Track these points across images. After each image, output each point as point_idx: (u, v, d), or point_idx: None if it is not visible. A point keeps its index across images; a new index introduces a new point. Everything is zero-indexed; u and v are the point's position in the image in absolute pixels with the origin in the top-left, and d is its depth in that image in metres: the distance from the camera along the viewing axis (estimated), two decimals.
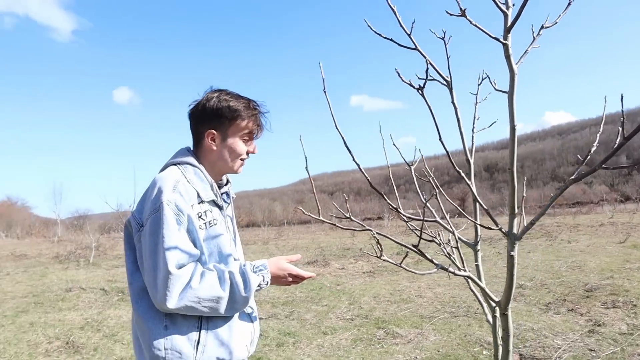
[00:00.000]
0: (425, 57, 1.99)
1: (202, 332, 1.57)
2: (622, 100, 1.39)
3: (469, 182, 1.78)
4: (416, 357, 4.84)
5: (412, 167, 2.21)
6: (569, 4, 1.57)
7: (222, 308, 1.53)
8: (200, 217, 1.61)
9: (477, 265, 2.04)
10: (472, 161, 2.08)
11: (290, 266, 1.74)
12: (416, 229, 2.14)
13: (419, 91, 1.70)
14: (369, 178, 1.92)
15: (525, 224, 1.70)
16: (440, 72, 2.02)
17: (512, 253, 1.65)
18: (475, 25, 1.46)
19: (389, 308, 7.29)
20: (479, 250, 2.06)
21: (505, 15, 1.49)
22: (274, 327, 6.46)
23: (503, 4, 1.50)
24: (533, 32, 1.56)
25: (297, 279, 1.76)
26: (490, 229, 1.64)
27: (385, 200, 1.94)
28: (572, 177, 1.58)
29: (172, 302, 1.45)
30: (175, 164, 1.72)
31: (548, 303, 6.85)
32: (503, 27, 1.50)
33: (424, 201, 1.67)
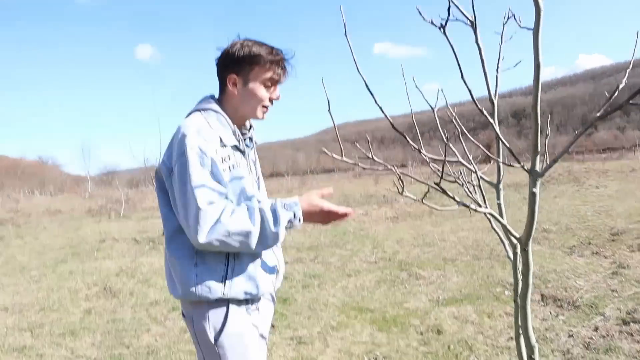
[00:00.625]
0: None
1: (229, 268, 1.64)
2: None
3: (492, 121, 1.79)
4: (439, 297, 4.96)
5: (436, 110, 2.21)
6: None
7: (252, 243, 1.57)
8: (223, 160, 1.64)
9: (498, 204, 2.07)
10: (495, 102, 2.08)
11: (322, 202, 1.71)
12: (439, 170, 2.17)
13: (441, 29, 1.69)
14: (391, 120, 1.94)
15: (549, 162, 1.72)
16: (464, 11, 1.99)
17: (534, 190, 1.68)
18: None
19: (412, 251, 7.41)
20: (501, 189, 2.08)
21: None
22: (300, 270, 6.65)
23: None
24: None
25: (333, 215, 1.73)
26: (512, 166, 1.67)
27: (408, 141, 1.96)
28: (598, 114, 1.58)
29: (203, 237, 1.50)
30: (198, 111, 1.76)
31: (572, 246, 6.88)
32: None
33: (446, 140, 1.69)
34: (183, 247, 1.64)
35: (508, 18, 2.11)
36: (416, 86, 2.14)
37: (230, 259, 1.65)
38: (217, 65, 1.81)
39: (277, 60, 1.78)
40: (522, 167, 1.68)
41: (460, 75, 1.73)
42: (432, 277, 5.81)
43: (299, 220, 1.64)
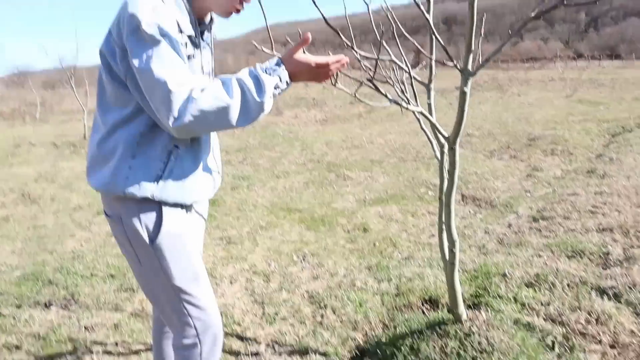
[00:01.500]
0: None
1: (167, 167, 1.47)
2: None
3: (427, 17, 1.74)
4: (365, 198, 5.12)
5: (370, 8, 2.13)
6: None
7: (233, 118, 1.35)
8: (182, 45, 1.40)
9: (429, 104, 2.08)
10: (432, 5, 2.02)
11: (309, 56, 1.47)
12: (370, 69, 2.14)
13: None
14: (325, 18, 1.85)
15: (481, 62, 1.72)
16: None
17: (464, 89, 1.69)
18: None
19: (341, 153, 7.52)
20: (432, 88, 2.09)
21: None
22: (228, 172, 6.61)
23: None
24: None
25: (324, 68, 1.49)
26: (444, 64, 1.65)
27: (342, 38, 1.89)
28: (533, 15, 1.57)
29: (173, 120, 1.30)
30: None
31: (492, 150, 7.21)
32: None
33: (379, 37, 1.64)
34: (124, 139, 1.44)
35: None
36: None
37: (171, 157, 1.48)
38: None
39: None
40: (455, 65, 1.67)
41: None
42: (359, 178, 5.96)
43: (287, 83, 1.44)
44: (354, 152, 7.53)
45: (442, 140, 2.02)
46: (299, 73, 1.46)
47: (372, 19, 2.03)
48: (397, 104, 1.68)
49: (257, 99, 1.36)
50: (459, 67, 1.67)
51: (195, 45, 1.51)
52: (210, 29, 1.64)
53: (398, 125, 9.82)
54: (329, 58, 1.48)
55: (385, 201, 4.95)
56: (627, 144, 7.19)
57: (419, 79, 2.10)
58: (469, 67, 1.68)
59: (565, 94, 15.16)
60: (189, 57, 1.46)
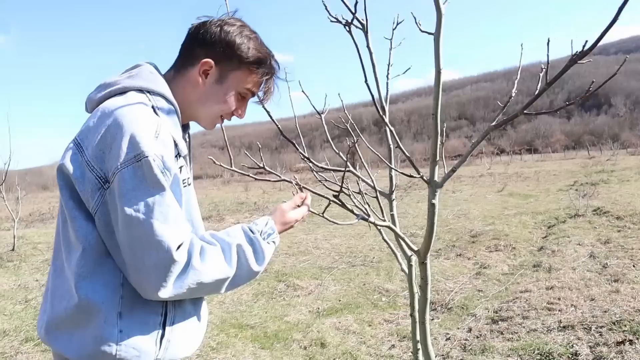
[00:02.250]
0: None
1: (168, 320, 1.18)
2: (548, 45, 1.36)
3: (388, 126, 1.70)
4: (319, 308, 4.89)
5: (323, 115, 2.11)
6: None
7: (225, 287, 1.19)
8: (180, 174, 1.21)
9: (392, 215, 2.01)
10: (387, 108, 2.02)
11: (294, 214, 1.39)
12: (326, 180, 2.06)
13: (346, 27, 1.57)
14: (279, 126, 1.79)
15: (445, 171, 1.67)
16: (356, 14, 1.90)
17: (433, 201, 1.62)
18: None
19: (288, 261, 7.31)
20: (394, 199, 2.03)
21: None
22: None
23: None
24: None
25: (301, 209, 1.43)
26: (412, 177, 1.59)
27: (297, 148, 1.82)
28: (493, 124, 1.56)
29: (166, 292, 1.08)
30: (142, 91, 1.22)
31: (439, 249, 7.23)
32: None
33: (350, 145, 1.57)
34: (105, 287, 1.11)
35: (398, 23, 2.05)
36: (303, 91, 2.02)
37: (169, 310, 1.19)
38: (194, 34, 1.32)
39: (271, 73, 1.38)
40: (422, 177, 1.61)
41: (364, 80, 1.62)
42: (310, 286, 5.75)
43: (276, 247, 1.32)
44: (301, 259, 7.34)
45: (409, 252, 1.93)
46: (285, 230, 1.39)
47: (325, 126, 1.99)
48: (365, 219, 1.58)
49: (254, 269, 1.22)
50: (425, 178, 1.61)
51: (186, 160, 1.31)
52: (189, 138, 1.45)
53: (342, 228, 9.78)
54: (303, 211, 1.43)
55: (340, 311, 4.74)
56: (564, 235, 7.43)
57: (379, 189, 2.04)
58: (436, 177, 1.62)
59: (497, 189, 15.85)
60: (184, 183, 1.24)
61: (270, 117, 1.77)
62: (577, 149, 65.68)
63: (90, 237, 1.11)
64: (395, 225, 1.94)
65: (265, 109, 1.73)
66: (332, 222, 1.54)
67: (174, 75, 1.33)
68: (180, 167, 1.21)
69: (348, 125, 2.08)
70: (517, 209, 10.94)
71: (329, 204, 1.53)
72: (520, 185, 17.33)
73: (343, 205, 1.53)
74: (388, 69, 2.09)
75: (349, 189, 2.19)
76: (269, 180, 1.66)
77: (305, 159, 1.85)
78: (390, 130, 1.66)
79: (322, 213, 1.49)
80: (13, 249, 9.24)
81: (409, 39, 2.07)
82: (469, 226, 8.96)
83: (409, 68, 2.10)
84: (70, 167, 1.10)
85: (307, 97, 2.08)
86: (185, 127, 1.40)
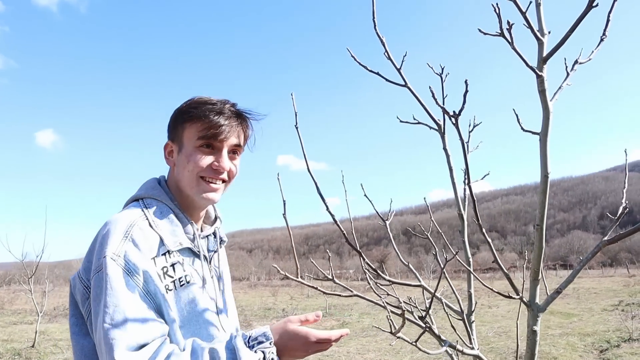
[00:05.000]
0: (417, 97, 1.75)
1: None
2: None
3: (464, 237, 1.49)
4: None
5: (388, 222, 1.93)
6: (601, 40, 1.37)
7: None
8: (164, 274, 1.15)
9: (471, 340, 1.74)
10: (465, 215, 1.82)
11: (305, 330, 1.13)
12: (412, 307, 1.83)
13: (439, 131, 1.43)
14: (343, 230, 1.61)
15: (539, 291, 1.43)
16: (433, 115, 1.78)
17: (534, 328, 1.37)
18: (514, 49, 1.22)
19: None
20: (473, 321, 1.77)
21: (541, 44, 1.26)
22: None
23: (538, 31, 1.28)
24: (567, 67, 1.34)
25: (322, 344, 1.15)
26: (510, 297, 1.35)
27: (363, 258, 1.62)
28: (606, 238, 1.34)
29: None
30: (137, 200, 1.27)
31: None
32: (537, 57, 1.27)
33: (466, 266, 1.36)
34: None
35: (475, 126, 1.91)
36: (365, 192, 1.86)
37: None
38: None
39: (217, 109, 1.28)
40: (521, 299, 1.37)
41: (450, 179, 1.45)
42: None
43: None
44: None
45: None
46: (292, 349, 1.12)
47: (391, 236, 1.80)
48: (453, 347, 1.33)
49: None
50: (525, 300, 1.37)
51: (196, 255, 1.26)
52: (216, 231, 1.39)
53: (375, 341, 9.24)
54: (333, 333, 1.14)
55: None
56: None
57: (454, 308, 1.79)
58: (537, 299, 1.38)
59: None
60: (182, 281, 1.18)
61: (332, 217, 1.59)
62: (614, 267, 63.36)
63: (87, 349, 1.14)
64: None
65: (329, 212, 1.58)
66: (424, 351, 1.28)
67: (168, 177, 1.37)
68: (173, 265, 1.18)
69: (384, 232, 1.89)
70: (562, 329, 10.25)
71: (423, 331, 1.29)
72: (560, 302, 16.43)
73: (431, 331, 1.29)
74: (466, 174, 1.92)
75: (415, 305, 1.96)
76: (341, 295, 1.44)
77: (373, 270, 1.65)
78: (489, 242, 1.45)
79: (416, 341, 1.24)
80: (33, 346, 8.92)
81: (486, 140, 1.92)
82: (512, 346, 8.34)
83: (488, 174, 1.93)
84: (72, 282, 1.19)
85: (371, 202, 1.92)
86: (209, 222, 1.42)
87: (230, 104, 1.32)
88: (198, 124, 1.27)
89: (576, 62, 1.34)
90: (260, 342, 1.10)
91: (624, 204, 1.44)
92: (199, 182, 1.27)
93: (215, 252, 1.37)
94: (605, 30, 1.24)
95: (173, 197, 1.30)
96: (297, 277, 1.43)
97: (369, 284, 1.79)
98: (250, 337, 1.10)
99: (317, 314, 1.19)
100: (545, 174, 1.27)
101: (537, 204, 1.31)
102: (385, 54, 1.78)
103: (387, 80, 1.80)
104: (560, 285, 1.36)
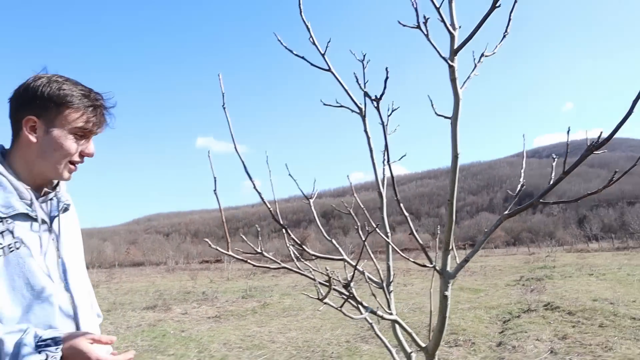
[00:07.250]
0: (339, 81, 1.85)
1: None
2: (568, 132, 1.36)
3: (384, 211, 1.63)
4: None
5: (312, 200, 2.03)
6: (504, 36, 1.53)
7: None
8: None
9: (390, 306, 1.89)
10: (384, 194, 1.96)
11: (89, 348, 1.20)
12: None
13: (361, 117, 1.53)
14: (270, 207, 1.69)
15: (454, 261, 1.59)
16: (355, 99, 1.89)
17: (445, 293, 1.53)
18: (429, 41, 1.34)
19: (242, 355, 6.90)
20: (392, 291, 1.92)
21: (452, 37, 1.40)
22: None
23: (450, 25, 1.41)
24: (474, 59, 1.49)
25: None
26: (424, 266, 1.50)
27: (289, 234, 1.72)
28: (506, 212, 1.52)
29: None
30: None
31: (396, 345, 7.02)
32: (450, 48, 1.41)
33: (385, 238, 1.48)
34: None
35: (393, 110, 2.05)
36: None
37: None
38: (11, 102, 1.39)
39: (94, 105, 1.41)
40: (434, 267, 1.52)
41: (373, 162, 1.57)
42: None
43: None
44: (256, 354, 6.94)
45: (410, 349, 1.80)
46: None
47: (316, 214, 1.91)
48: (374, 313, 1.46)
49: None
50: (437, 268, 1.53)
51: (34, 220, 1.33)
52: (59, 196, 1.46)
53: (296, 320, 9.44)
54: (118, 358, 1.26)
55: None
56: (521, 330, 7.40)
57: (375, 279, 1.93)
58: (448, 267, 1.54)
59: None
60: (10, 247, 1.24)
61: (261, 198, 1.68)
62: (517, 245, 67.95)
63: None
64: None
65: (257, 190, 1.66)
66: (349, 316, 1.40)
67: (13, 145, 1.39)
68: (2, 233, 1.24)
69: (314, 213, 2.00)
70: (470, 303, 10.94)
71: (346, 299, 1.41)
72: (469, 279, 17.50)
73: (354, 298, 1.41)
74: (385, 155, 2.06)
75: (338, 279, 2.08)
76: (270, 268, 1.53)
77: (297, 245, 1.75)
78: (406, 217, 1.59)
79: (341, 307, 1.36)
80: None
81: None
82: (425, 320, 8.82)
83: (405, 155, 2.07)
84: None
85: (295, 181, 2.01)
86: (50, 188, 1.44)
87: (102, 99, 1.44)
88: (77, 114, 1.38)
89: (482, 54, 1.49)
90: (47, 345, 1.17)
91: (521, 182, 1.63)
92: (64, 166, 1.39)
93: (57, 215, 1.43)
94: (507, 27, 1.39)
95: (12, 163, 1.36)
96: (228, 251, 1.50)
97: (293, 259, 1.90)
98: (41, 337, 1.18)
99: (112, 339, 1.27)
100: (455, 155, 1.42)
101: (449, 182, 1.46)
102: (311, 39, 1.87)
103: (311, 64, 1.89)
104: (467, 254, 1.52)
